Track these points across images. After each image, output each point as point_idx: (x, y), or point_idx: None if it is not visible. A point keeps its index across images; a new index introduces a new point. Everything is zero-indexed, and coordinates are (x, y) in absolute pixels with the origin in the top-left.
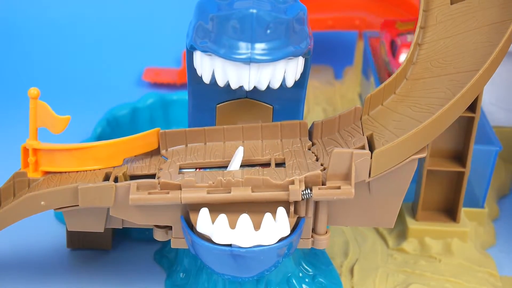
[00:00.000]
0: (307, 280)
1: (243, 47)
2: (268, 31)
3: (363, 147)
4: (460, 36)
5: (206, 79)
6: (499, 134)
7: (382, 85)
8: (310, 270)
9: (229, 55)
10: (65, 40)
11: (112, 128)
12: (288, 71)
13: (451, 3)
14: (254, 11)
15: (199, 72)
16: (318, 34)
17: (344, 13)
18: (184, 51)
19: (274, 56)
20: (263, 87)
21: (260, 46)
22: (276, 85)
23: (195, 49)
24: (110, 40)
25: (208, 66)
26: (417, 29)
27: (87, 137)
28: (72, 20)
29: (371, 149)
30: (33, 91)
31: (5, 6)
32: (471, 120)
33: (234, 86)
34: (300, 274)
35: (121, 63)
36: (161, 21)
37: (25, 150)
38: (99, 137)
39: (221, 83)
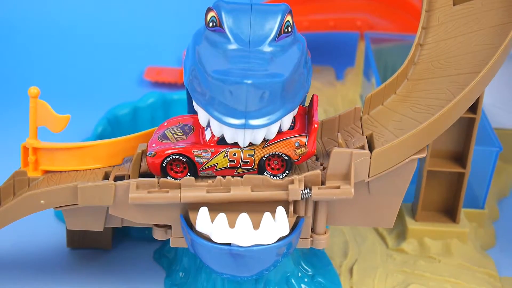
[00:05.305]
0: (306, 280)
1: (237, 115)
2: (263, 97)
3: (362, 147)
4: (462, 38)
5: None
6: (500, 135)
7: (383, 85)
8: (309, 270)
9: (223, 121)
10: (66, 39)
11: (113, 127)
12: (284, 121)
13: (454, 4)
14: (249, 81)
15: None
16: (320, 35)
17: (346, 14)
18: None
19: (269, 121)
20: (258, 142)
21: (255, 114)
22: (271, 137)
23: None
24: (111, 39)
25: (204, 115)
26: (419, 30)
27: (87, 136)
28: (73, 19)
29: (371, 149)
30: (33, 90)
31: (5, 6)
32: (472, 121)
33: (229, 141)
34: (299, 274)
35: (123, 61)
36: (163, 20)
37: (25, 149)
38: (100, 136)
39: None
